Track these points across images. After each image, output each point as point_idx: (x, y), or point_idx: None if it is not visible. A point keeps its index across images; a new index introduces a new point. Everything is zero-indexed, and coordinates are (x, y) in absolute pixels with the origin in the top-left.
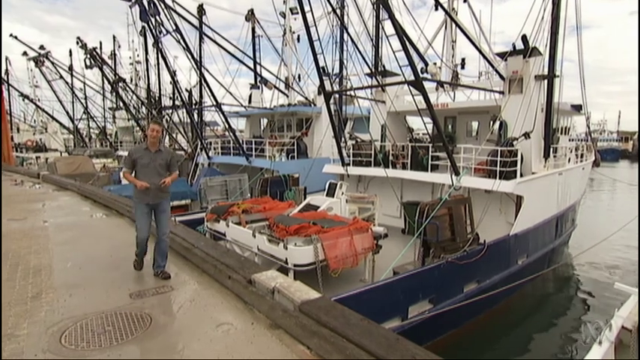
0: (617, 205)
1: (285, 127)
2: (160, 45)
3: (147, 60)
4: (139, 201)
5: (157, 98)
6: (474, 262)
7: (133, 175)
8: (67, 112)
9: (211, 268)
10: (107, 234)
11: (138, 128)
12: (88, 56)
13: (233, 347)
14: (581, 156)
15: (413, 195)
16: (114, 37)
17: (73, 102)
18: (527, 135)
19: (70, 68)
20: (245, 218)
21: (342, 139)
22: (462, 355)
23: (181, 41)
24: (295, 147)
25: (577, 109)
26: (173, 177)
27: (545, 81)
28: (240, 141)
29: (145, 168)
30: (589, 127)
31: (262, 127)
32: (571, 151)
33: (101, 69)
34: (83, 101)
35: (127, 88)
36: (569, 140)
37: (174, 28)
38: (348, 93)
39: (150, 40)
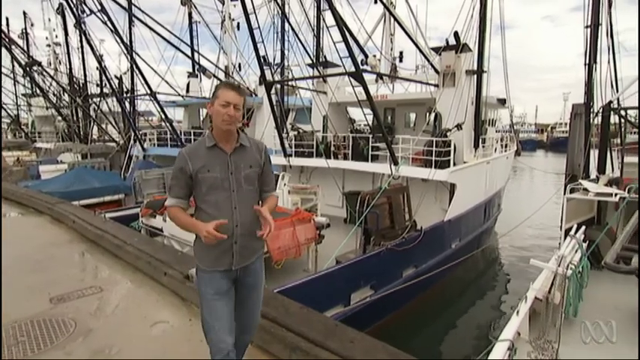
0: (535, 191)
1: None
2: (82, 26)
3: (67, 42)
4: (208, 267)
5: (81, 85)
6: (412, 247)
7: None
8: None
9: (145, 265)
10: (23, 234)
11: (60, 117)
12: None
13: (170, 345)
14: (506, 146)
15: (354, 185)
16: (24, 13)
17: None
18: (459, 126)
19: None
20: None
21: (284, 129)
22: (402, 334)
23: (108, 23)
24: None
25: (502, 102)
26: (272, 203)
27: (475, 75)
28: (178, 132)
29: (216, 191)
30: (512, 120)
31: (202, 118)
32: (497, 142)
33: (9, 50)
34: None
35: (44, 73)
36: (496, 131)
37: (99, 7)
38: (289, 83)
39: (70, 20)
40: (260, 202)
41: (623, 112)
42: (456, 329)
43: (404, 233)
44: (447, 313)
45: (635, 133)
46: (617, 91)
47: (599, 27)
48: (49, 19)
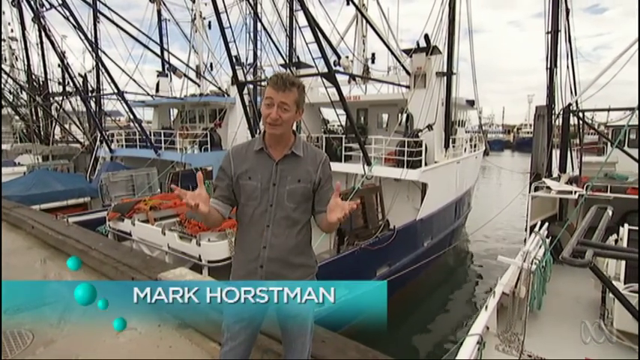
0: (503, 190)
1: (197, 118)
2: (42, 21)
3: (25, 37)
4: None
5: (41, 83)
6: (385, 246)
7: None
8: None
9: (112, 270)
10: None
11: (17, 117)
12: None
13: (138, 353)
14: (475, 146)
15: None
16: None
17: None
18: (430, 127)
19: None
20: (153, 215)
21: (257, 130)
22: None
23: (70, 18)
24: (208, 138)
25: (471, 104)
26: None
27: (445, 77)
28: (148, 132)
29: (254, 202)
30: (481, 121)
31: (172, 118)
32: (466, 142)
33: None
34: None
35: None
36: (465, 132)
37: (60, 1)
38: (262, 84)
39: (28, 14)
40: (302, 227)
41: (581, 114)
42: (429, 326)
43: (377, 232)
44: (421, 311)
45: (592, 134)
46: (576, 94)
47: (559, 33)
48: (4, 12)
